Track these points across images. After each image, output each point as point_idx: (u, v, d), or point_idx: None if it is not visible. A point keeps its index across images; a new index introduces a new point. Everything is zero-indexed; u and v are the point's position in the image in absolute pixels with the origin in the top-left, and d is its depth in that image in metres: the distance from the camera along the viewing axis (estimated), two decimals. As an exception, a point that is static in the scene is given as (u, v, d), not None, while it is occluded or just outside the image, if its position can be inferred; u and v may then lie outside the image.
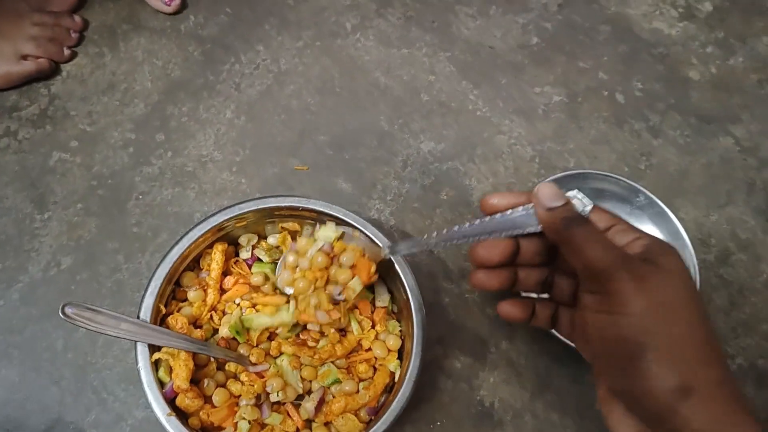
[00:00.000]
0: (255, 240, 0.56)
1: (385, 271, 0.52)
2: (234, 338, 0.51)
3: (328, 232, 0.46)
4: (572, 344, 0.43)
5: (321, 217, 0.53)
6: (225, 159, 0.67)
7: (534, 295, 0.46)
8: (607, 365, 0.35)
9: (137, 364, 0.47)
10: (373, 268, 0.46)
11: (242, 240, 0.56)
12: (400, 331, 0.53)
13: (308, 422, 0.51)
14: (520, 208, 0.39)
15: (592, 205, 0.38)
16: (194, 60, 0.71)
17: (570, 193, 0.38)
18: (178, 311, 0.52)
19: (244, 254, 0.56)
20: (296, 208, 0.53)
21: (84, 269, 0.61)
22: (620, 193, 0.65)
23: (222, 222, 0.52)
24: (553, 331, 0.45)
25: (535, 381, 0.60)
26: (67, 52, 0.69)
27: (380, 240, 0.51)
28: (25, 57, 0.66)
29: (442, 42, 0.76)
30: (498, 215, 0.40)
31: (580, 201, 0.38)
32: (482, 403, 0.59)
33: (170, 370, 0.48)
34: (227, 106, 0.69)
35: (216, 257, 0.53)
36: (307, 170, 0.67)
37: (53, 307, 0.59)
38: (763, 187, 0.70)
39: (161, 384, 0.47)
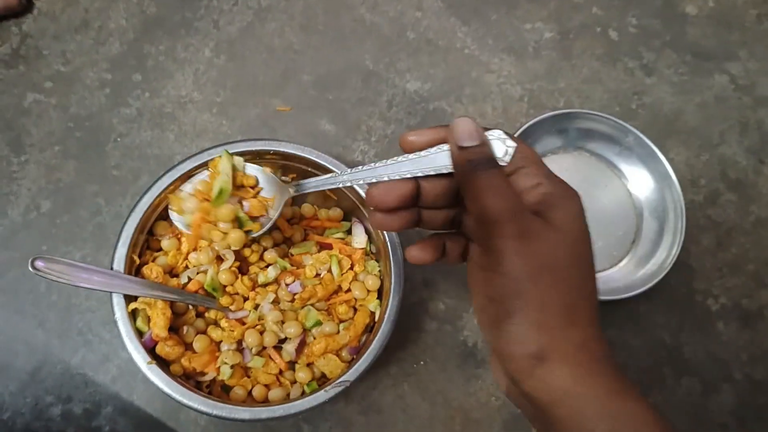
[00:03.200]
0: None
1: (363, 214, 0.52)
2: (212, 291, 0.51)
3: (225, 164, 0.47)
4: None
5: (292, 162, 0.52)
6: (205, 100, 0.65)
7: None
8: (481, 322, 0.35)
9: (114, 315, 0.47)
10: (272, 202, 0.47)
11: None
12: (379, 271, 0.53)
13: (291, 364, 0.51)
14: (435, 147, 0.36)
15: (515, 146, 0.35)
16: (171, -4, 0.68)
17: (491, 132, 0.35)
18: (153, 261, 0.51)
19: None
20: (267, 152, 0.52)
21: (64, 212, 0.60)
22: (609, 133, 0.64)
23: (191, 169, 0.50)
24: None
25: (519, 322, 0.60)
26: (37, -13, 0.66)
27: None
28: (-8, -7, 0.64)
29: (430, -24, 0.72)
30: (413, 155, 0.37)
31: (502, 141, 0.35)
32: (466, 344, 0.59)
33: (148, 320, 0.48)
34: (206, 44, 0.67)
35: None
36: (290, 111, 0.65)
37: (34, 251, 0.59)
38: (757, 126, 0.68)
39: (140, 333, 0.47)
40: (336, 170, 0.52)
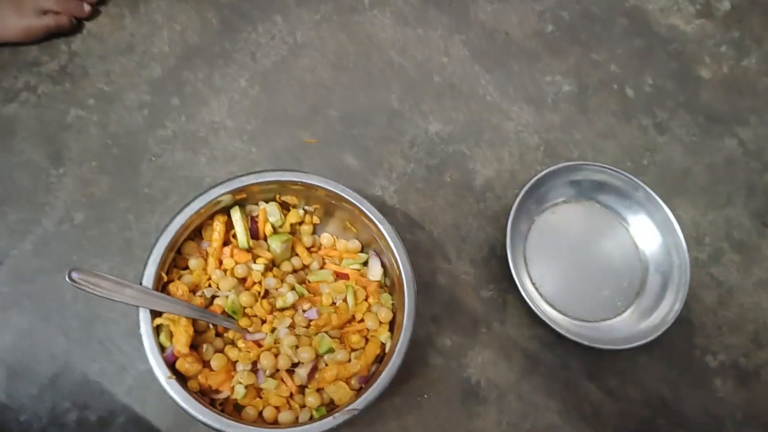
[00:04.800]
0: (256, 212, 0.57)
1: (380, 247, 0.54)
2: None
3: None
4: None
5: (316, 192, 0.55)
6: (237, 127, 0.68)
7: None
8: None
9: (140, 329, 0.49)
10: None
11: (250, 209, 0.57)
12: (392, 304, 0.55)
13: (301, 388, 0.53)
14: None
15: None
16: (212, 27, 0.72)
17: None
18: (178, 278, 0.53)
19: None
20: (294, 183, 0.55)
21: (95, 226, 0.63)
22: (620, 187, 0.66)
23: (221, 194, 0.53)
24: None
25: (523, 364, 0.62)
26: (87, 8, 0.70)
27: (374, 215, 0.53)
28: (45, 12, 0.67)
29: (458, 24, 0.76)
30: None
31: None
32: (469, 381, 0.61)
33: (171, 335, 0.50)
34: (242, 75, 0.71)
35: (218, 228, 0.54)
36: (316, 144, 0.68)
37: (64, 260, 0.61)
38: (764, 190, 0.71)
39: (162, 348, 0.50)
40: (358, 204, 0.54)
